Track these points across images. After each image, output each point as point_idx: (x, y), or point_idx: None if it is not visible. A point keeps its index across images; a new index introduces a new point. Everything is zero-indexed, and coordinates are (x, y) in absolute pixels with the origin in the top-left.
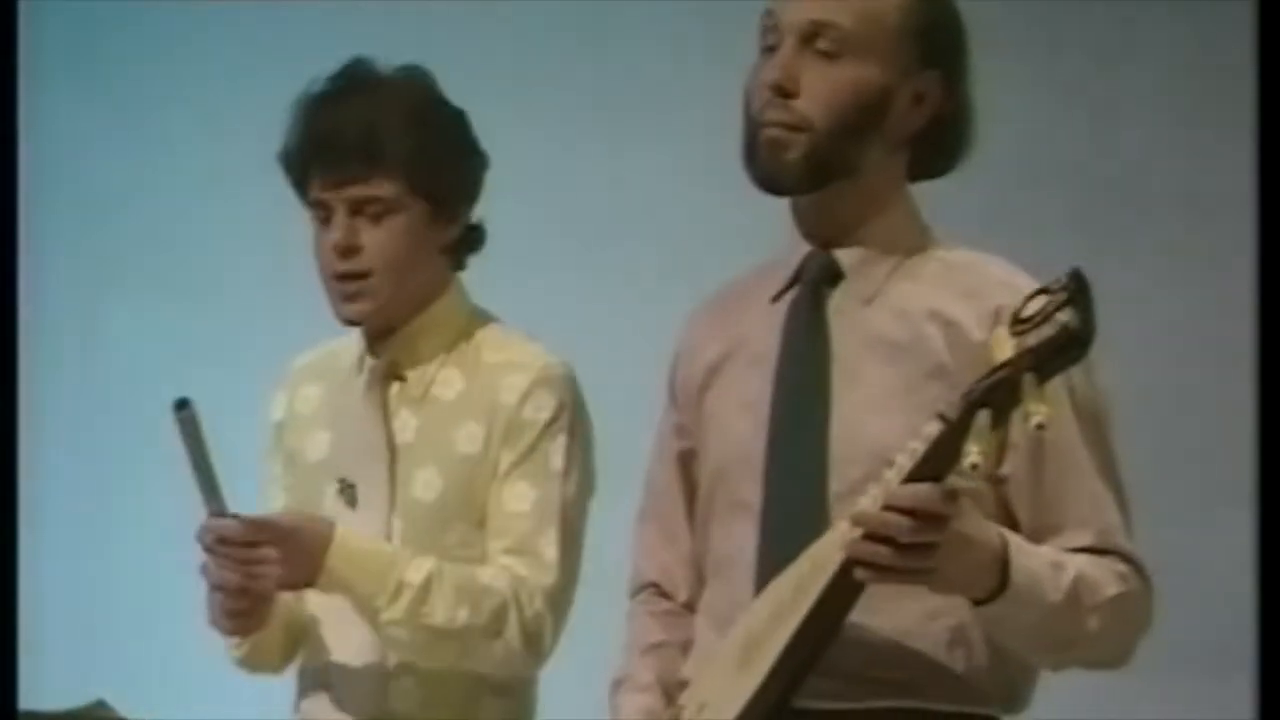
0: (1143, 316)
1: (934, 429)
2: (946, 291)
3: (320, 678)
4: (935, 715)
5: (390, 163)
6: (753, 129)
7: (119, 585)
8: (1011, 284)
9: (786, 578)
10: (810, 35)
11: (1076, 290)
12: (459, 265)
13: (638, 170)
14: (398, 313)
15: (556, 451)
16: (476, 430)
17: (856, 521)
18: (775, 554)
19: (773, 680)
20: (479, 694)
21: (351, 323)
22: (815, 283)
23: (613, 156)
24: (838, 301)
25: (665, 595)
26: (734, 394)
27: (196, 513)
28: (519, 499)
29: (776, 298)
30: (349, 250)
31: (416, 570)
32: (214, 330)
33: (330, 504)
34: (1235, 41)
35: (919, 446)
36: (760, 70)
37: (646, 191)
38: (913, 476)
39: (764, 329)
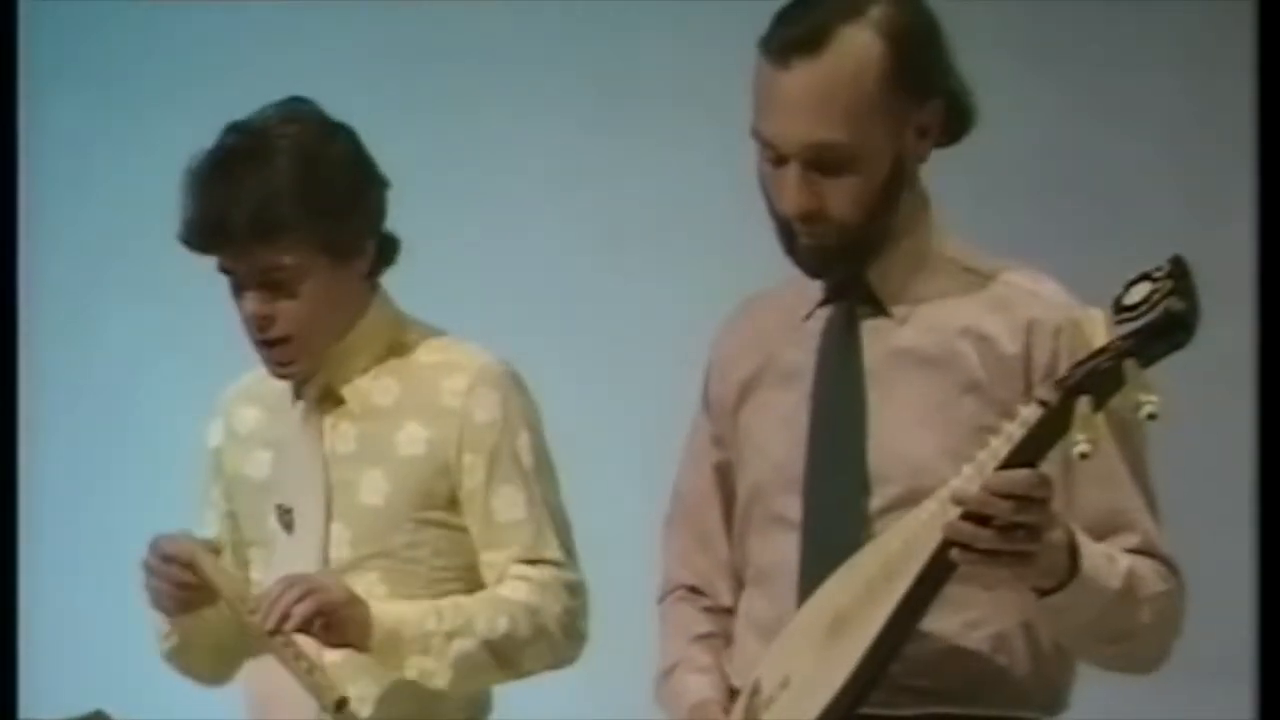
0: None
1: (1032, 413)
2: (976, 306)
3: (274, 686)
4: None
5: (286, 234)
6: (786, 229)
7: (120, 594)
8: (1040, 294)
9: (872, 555)
10: (814, 158)
11: (1180, 276)
12: (377, 275)
13: (643, 167)
14: (326, 351)
15: (524, 450)
16: (418, 431)
17: (958, 500)
18: (817, 571)
19: (869, 659)
20: (435, 692)
21: (285, 379)
22: (848, 302)
23: (618, 151)
24: (873, 322)
25: (704, 596)
26: (770, 411)
27: (197, 519)
28: (509, 507)
29: (808, 316)
30: (265, 320)
31: (445, 600)
32: (215, 332)
33: (271, 524)
34: (1235, 42)
35: (1016, 431)
36: (772, 177)
37: (650, 188)
38: (1009, 462)
39: (795, 346)
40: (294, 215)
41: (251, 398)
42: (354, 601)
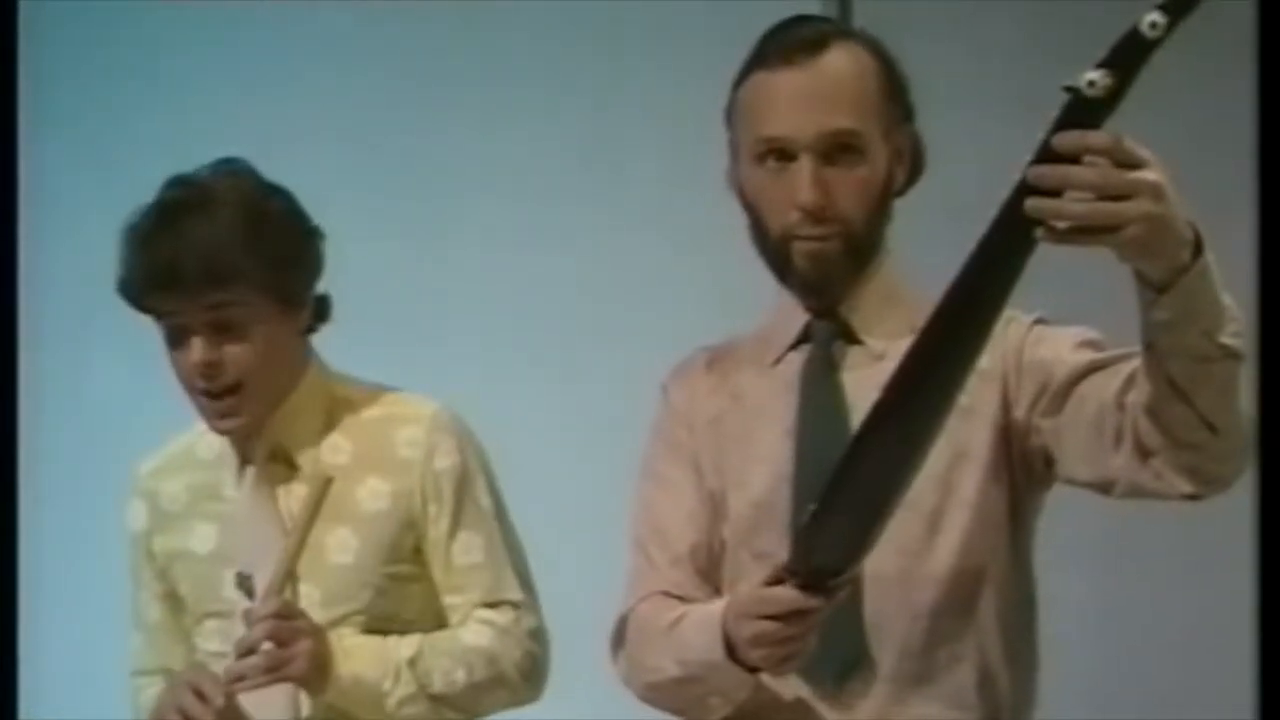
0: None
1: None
2: None
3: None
4: None
5: (237, 278)
6: (782, 245)
7: (120, 595)
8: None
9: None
10: (829, 147)
11: None
12: (310, 332)
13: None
14: (270, 409)
15: (481, 493)
16: (380, 485)
17: (1030, 179)
18: None
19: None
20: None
21: (226, 433)
22: (827, 343)
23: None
24: (851, 359)
25: (682, 600)
26: (744, 445)
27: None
28: (469, 551)
29: (777, 361)
30: (213, 366)
31: (407, 646)
32: None
33: (229, 594)
34: (1235, 42)
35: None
36: (771, 187)
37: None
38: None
39: (762, 388)
40: (245, 261)
41: (174, 472)
42: (318, 639)
